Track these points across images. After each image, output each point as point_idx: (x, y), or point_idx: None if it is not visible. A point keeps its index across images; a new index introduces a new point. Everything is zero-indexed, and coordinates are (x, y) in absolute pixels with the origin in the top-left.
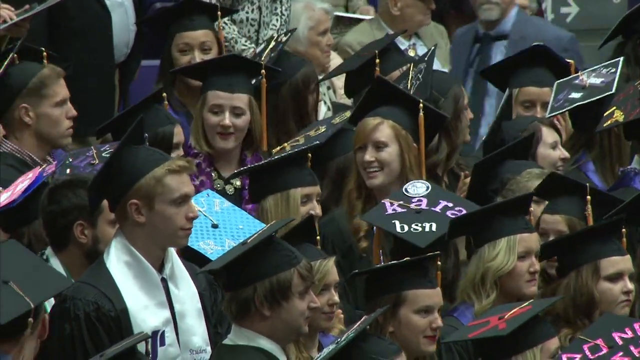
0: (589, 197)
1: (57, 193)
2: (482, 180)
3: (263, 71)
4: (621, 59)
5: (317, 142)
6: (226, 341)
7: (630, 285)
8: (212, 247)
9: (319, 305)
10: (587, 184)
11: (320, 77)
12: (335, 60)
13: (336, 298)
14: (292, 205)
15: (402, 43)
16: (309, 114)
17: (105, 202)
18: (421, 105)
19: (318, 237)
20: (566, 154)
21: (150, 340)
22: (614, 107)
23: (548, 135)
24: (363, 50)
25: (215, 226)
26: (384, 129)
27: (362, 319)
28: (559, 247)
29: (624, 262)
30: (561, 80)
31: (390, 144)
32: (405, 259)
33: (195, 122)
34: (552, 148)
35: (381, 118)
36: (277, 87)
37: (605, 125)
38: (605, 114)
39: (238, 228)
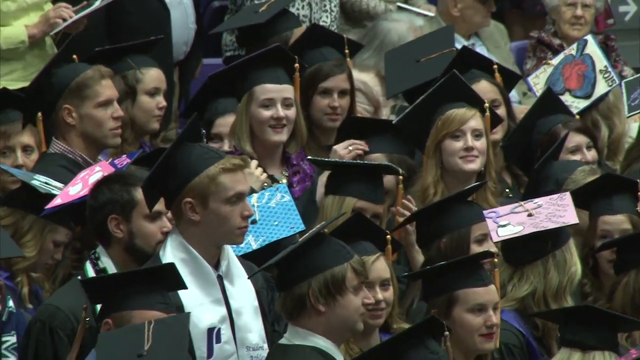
0: None
1: (96, 189)
2: (537, 183)
3: (297, 65)
4: None
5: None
6: (282, 340)
7: None
8: (251, 243)
9: (372, 301)
10: (638, 180)
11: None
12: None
13: (380, 296)
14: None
15: (461, 43)
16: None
17: (139, 197)
18: (486, 105)
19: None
20: (588, 158)
21: (206, 337)
22: None
23: (570, 139)
24: (419, 55)
25: (254, 222)
26: (478, 119)
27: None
28: (619, 244)
29: None
30: (627, 79)
31: (483, 134)
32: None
33: (240, 121)
34: (570, 152)
35: (473, 109)
36: None
37: None
38: None
39: (273, 225)
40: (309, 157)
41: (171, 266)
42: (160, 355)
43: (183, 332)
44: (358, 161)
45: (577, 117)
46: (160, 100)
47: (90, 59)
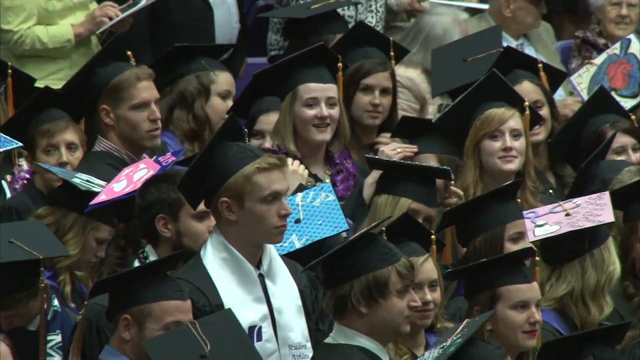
0: None
1: (144, 188)
2: (583, 182)
3: (340, 64)
4: None
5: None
6: (328, 339)
7: None
8: (294, 242)
9: (419, 304)
10: None
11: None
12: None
13: (428, 297)
14: (396, 213)
15: (510, 43)
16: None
17: None
18: (526, 104)
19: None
20: (633, 160)
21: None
22: None
23: (616, 139)
24: (466, 54)
25: (298, 221)
26: (517, 119)
27: (465, 322)
28: None
29: None
30: None
31: (522, 134)
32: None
33: (283, 120)
34: (615, 153)
35: (512, 109)
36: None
37: None
38: None
39: (317, 224)
40: (367, 155)
41: (179, 255)
42: (228, 352)
43: (237, 326)
44: (416, 163)
45: (633, 117)
46: (230, 105)
47: (166, 54)
